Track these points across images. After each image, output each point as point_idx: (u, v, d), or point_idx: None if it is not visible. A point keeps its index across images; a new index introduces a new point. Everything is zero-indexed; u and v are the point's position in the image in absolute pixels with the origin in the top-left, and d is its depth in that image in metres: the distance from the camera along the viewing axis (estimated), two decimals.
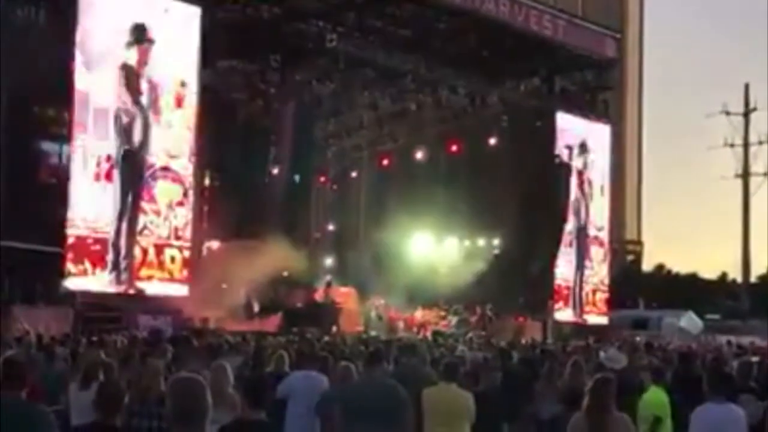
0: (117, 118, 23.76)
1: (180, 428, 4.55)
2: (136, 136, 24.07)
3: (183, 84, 24.97)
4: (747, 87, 61.87)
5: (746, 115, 60.84)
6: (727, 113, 60.88)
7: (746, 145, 60.31)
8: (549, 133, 35.48)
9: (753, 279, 65.87)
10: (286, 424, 9.64)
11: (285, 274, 30.32)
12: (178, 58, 25.09)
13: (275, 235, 29.60)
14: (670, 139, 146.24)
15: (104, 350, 12.46)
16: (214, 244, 29.99)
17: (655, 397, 9.57)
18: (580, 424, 7.01)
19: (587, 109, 37.10)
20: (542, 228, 35.30)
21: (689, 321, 48.95)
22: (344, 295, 32.24)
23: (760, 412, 8.82)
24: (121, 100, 23.92)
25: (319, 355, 11.69)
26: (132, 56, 24.09)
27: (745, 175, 60.15)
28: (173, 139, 24.91)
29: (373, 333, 28.36)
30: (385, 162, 39.82)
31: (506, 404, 9.94)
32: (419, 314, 33.66)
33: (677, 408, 9.08)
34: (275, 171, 32.99)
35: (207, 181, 27.65)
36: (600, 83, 38.00)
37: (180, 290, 24.94)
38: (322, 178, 40.44)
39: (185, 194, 24.99)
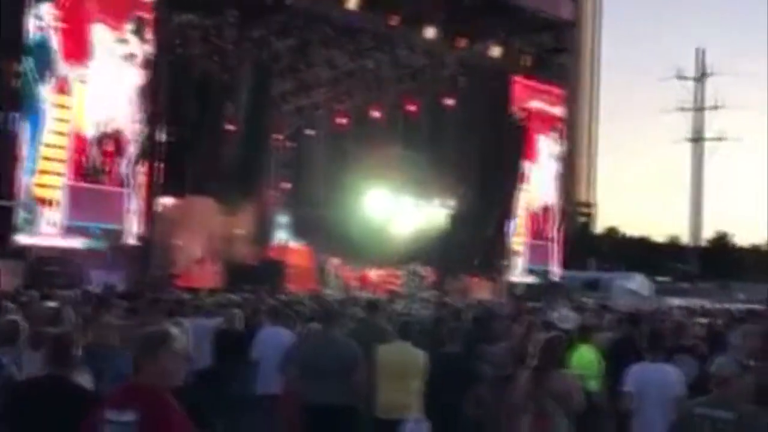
0: None
1: None
2: None
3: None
4: (701, 52, 62.55)
5: (699, 79, 61.51)
6: (681, 78, 61.55)
7: (699, 110, 61.07)
8: (505, 94, 35.59)
9: (703, 243, 67.00)
10: (258, 381, 10.17)
11: (240, 231, 30.22)
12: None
13: (230, 191, 29.44)
14: (623, 102, 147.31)
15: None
16: (169, 201, 29.78)
17: (582, 356, 9.76)
18: (525, 380, 7.17)
19: (543, 71, 37.22)
20: (498, 189, 35.49)
21: (639, 283, 49.70)
22: (299, 253, 32.22)
23: (695, 371, 8.98)
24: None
25: (288, 315, 11.78)
26: None
27: (697, 139, 60.92)
28: None
29: (328, 291, 28.42)
30: (342, 120, 39.67)
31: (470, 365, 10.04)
32: (373, 273, 33.74)
33: (622, 369, 9.22)
34: (231, 128, 32.74)
35: (162, 137, 27.40)
36: (556, 45, 38.12)
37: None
38: (279, 136, 40.18)
39: None
